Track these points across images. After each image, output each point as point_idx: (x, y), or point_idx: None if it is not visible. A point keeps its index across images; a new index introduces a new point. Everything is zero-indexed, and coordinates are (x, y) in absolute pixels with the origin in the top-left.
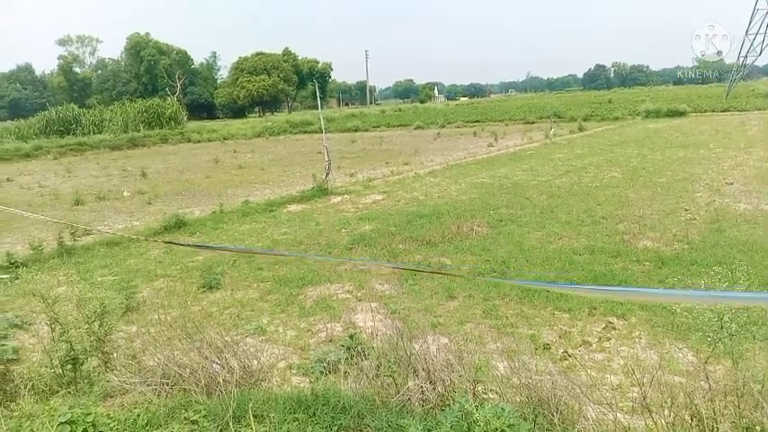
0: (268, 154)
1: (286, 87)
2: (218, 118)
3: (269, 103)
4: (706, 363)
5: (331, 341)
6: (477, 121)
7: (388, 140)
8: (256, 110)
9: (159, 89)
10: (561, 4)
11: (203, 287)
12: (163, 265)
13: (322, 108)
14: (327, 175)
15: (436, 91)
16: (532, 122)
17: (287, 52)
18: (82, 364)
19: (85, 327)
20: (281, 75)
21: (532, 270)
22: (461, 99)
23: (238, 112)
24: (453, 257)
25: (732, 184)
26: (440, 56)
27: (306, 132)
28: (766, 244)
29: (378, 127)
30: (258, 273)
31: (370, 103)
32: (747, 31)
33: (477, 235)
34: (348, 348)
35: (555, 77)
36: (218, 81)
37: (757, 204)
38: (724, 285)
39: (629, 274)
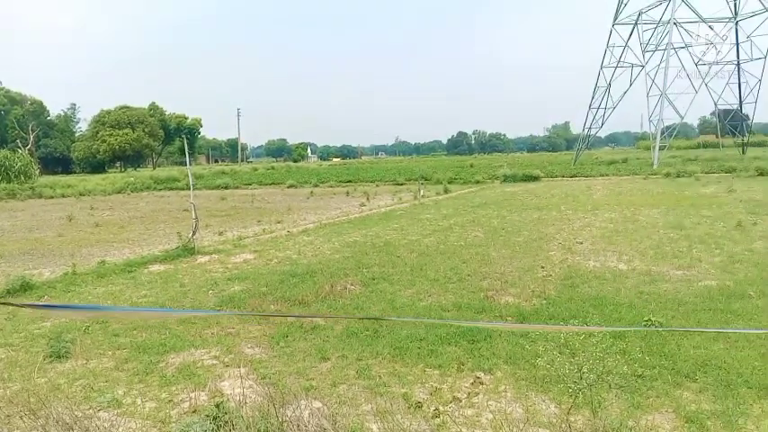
0: (129, 211)
1: (151, 142)
2: (75, 173)
3: (132, 158)
4: (568, 413)
5: (195, 412)
6: (350, 182)
7: (261, 198)
8: (117, 165)
9: (9, 141)
10: (426, 75)
11: (50, 356)
12: (3, 333)
13: (190, 164)
14: (194, 233)
15: (309, 151)
16: (402, 184)
17: (153, 107)
18: None
19: None
20: (146, 129)
21: (404, 329)
22: (334, 159)
23: (98, 166)
24: (327, 318)
25: (582, 243)
26: (313, 117)
27: (172, 189)
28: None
29: (249, 185)
30: (114, 339)
31: (242, 160)
32: (590, 106)
33: (350, 293)
34: (214, 419)
35: (422, 142)
36: (77, 134)
37: (604, 262)
38: (581, 338)
39: (494, 329)
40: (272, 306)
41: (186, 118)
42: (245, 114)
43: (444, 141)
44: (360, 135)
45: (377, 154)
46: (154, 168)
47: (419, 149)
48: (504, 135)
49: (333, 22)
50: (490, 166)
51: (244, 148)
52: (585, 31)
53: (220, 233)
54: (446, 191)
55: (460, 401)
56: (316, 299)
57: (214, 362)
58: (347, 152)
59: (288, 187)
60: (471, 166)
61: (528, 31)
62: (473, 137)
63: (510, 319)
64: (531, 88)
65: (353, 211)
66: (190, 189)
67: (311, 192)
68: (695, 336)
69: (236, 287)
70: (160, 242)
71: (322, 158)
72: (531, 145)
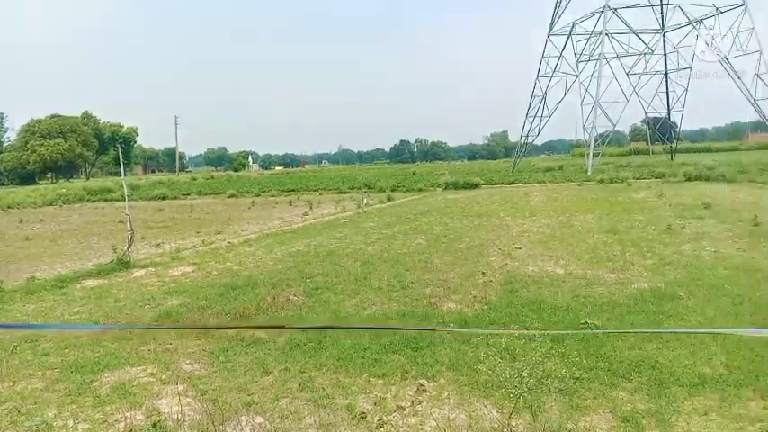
0: (61, 224)
1: (85, 152)
2: (3, 185)
3: (64, 168)
4: (510, 418)
5: None
6: (293, 191)
7: (200, 209)
8: (49, 176)
9: None
10: (368, 84)
11: None
12: None
13: (125, 174)
14: (130, 246)
15: (250, 160)
16: (345, 192)
17: (87, 115)
18: None
19: None
20: (79, 139)
21: (348, 338)
22: (276, 168)
23: (27, 178)
24: (269, 331)
25: (520, 248)
26: (255, 125)
27: (106, 200)
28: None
29: (188, 195)
30: (44, 359)
31: (180, 170)
32: (527, 115)
33: (293, 305)
34: None
35: (365, 150)
36: (5, 144)
37: (542, 267)
38: (522, 343)
39: (437, 336)
40: (212, 320)
41: (121, 127)
42: (184, 123)
43: (387, 150)
44: (302, 143)
45: (320, 162)
46: (87, 179)
47: (362, 158)
48: (446, 143)
49: (275, 34)
50: (432, 174)
51: (182, 157)
52: (523, 42)
53: (157, 245)
54: (389, 199)
55: (404, 410)
56: (257, 311)
57: (151, 379)
58: (290, 161)
59: (228, 197)
60: (414, 174)
61: (467, 41)
62: (415, 145)
63: (453, 325)
64: (471, 97)
65: (296, 220)
66: (125, 200)
67: (253, 201)
68: (629, 337)
69: (174, 301)
70: (94, 256)
71: (264, 167)
72: (471, 153)
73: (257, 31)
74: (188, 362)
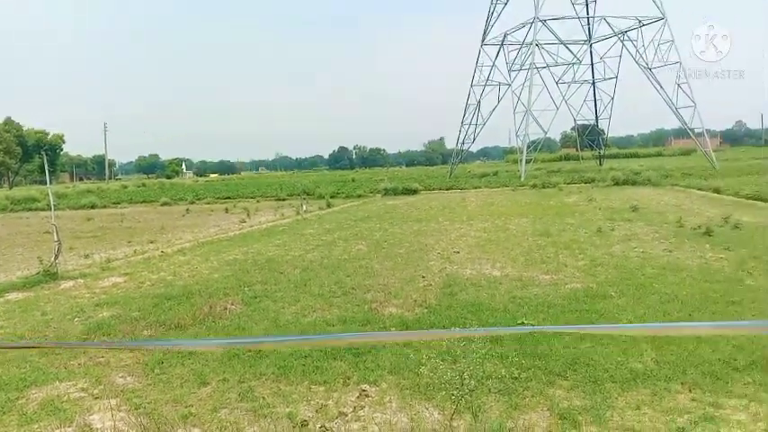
0: None
1: (7, 160)
2: None
3: None
4: (451, 419)
5: None
6: (229, 198)
7: (131, 217)
8: None
9: None
10: (306, 91)
11: None
12: None
13: (51, 183)
14: (57, 257)
15: (184, 167)
16: (284, 199)
17: (9, 122)
18: None
19: None
20: (0, 146)
21: (288, 346)
22: (212, 175)
23: None
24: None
25: (459, 252)
26: (188, 132)
27: (31, 210)
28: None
29: (119, 203)
30: None
31: (110, 178)
32: (462, 122)
33: (231, 314)
34: None
35: (303, 157)
36: None
37: (480, 269)
38: (462, 345)
39: (379, 341)
40: (146, 332)
41: (47, 134)
42: (114, 130)
43: (326, 156)
44: (239, 150)
45: (257, 169)
46: (10, 188)
47: (301, 164)
48: (384, 150)
49: (207, 38)
50: (371, 180)
51: (112, 164)
52: (456, 51)
53: (87, 256)
54: (329, 205)
55: (346, 416)
56: (193, 321)
57: (82, 394)
58: (226, 168)
59: (161, 205)
60: (353, 180)
61: (403, 50)
62: (354, 152)
63: (394, 329)
64: (409, 105)
65: (233, 228)
66: (51, 210)
67: (187, 209)
68: (564, 336)
69: (105, 313)
70: (18, 268)
71: (198, 175)
72: (409, 159)
73: (189, 35)
74: (121, 375)
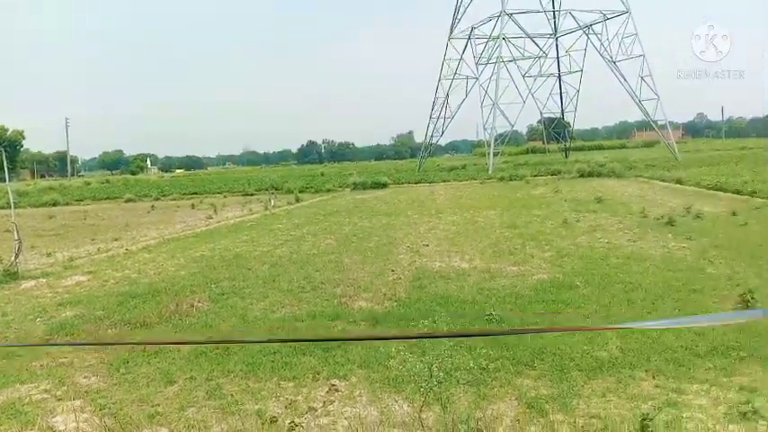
0: None
1: None
2: None
3: None
4: (420, 411)
5: None
6: (196, 194)
7: (95, 215)
8: None
9: None
10: (274, 85)
11: None
12: None
13: (11, 180)
14: (17, 256)
15: (149, 162)
16: (252, 194)
17: None
18: None
19: None
20: None
21: (256, 343)
22: (177, 171)
23: None
24: (172, 338)
25: (428, 245)
26: (154, 127)
27: None
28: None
29: (82, 200)
30: None
31: (73, 175)
32: (431, 116)
33: (198, 311)
34: None
35: (271, 151)
36: None
37: (449, 262)
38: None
39: (349, 335)
40: (110, 331)
41: (6, 130)
42: (76, 125)
43: (294, 151)
44: (205, 145)
45: (225, 164)
46: None
47: (269, 159)
48: (353, 144)
49: (172, 32)
50: (340, 174)
51: (74, 161)
52: (425, 44)
53: (49, 254)
54: (298, 200)
55: (316, 411)
56: (159, 320)
57: (45, 396)
58: (192, 163)
59: (126, 201)
60: (322, 174)
61: (372, 43)
62: (323, 146)
63: (364, 323)
64: (378, 99)
65: (200, 224)
66: (11, 208)
67: (152, 206)
68: (531, 325)
69: (68, 312)
70: None
71: (164, 170)
72: (378, 153)
73: (154, 29)
74: (85, 375)
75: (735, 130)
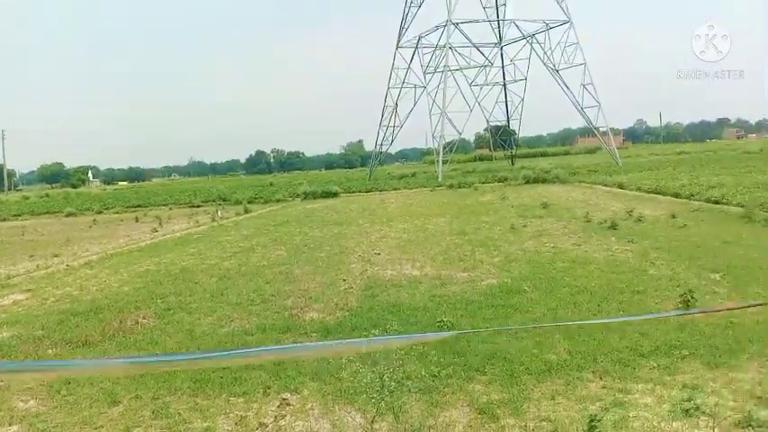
0: None
1: None
2: None
3: None
4: (373, 422)
5: None
6: (140, 206)
7: (33, 230)
8: None
9: None
10: (221, 94)
11: None
12: None
13: None
14: None
15: (90, 175)
16: (198, 206)
17: None
18: None
19: None
20: None
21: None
22: (120, 183)
23: None
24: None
25: (379, 254)
26: (95, 138)
27: None
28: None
29: (19, 215)
30: None
31: (10, 188)
32: (380, 124)
33: (143, 328)
34: None
35: (218, 162)
36: None
37: (400, 270)
38: (382, 346)
39: (300, 346)
40: (51, 351)
41: None
42: (12, 137)
43: (242, 161)
44: (150, 156)
45: (170, 176)
46: None
47: (216, 169)
48: (303, 153)
49: (107, 36)
50: (290, 184)
51: (11, 174)
52: (374, 51)
53: None
54: (246, 211)
55: (267, 426)
56: (103, 337)
57: None
58: (136, 175)
59: (66, 216)
60: (271, 184)
61: (324, 51)
62: (272, 155)
63: (315, 335)
64: (328, 108)
65: (144, 237)
66: None
67: (94, 219)
68: (482, 331)
69: (5, 333)
70: None
71: (106, 183)
72: (328, 162)
73: (92, 33)
74: (23, 399)
75: (672, 135)
